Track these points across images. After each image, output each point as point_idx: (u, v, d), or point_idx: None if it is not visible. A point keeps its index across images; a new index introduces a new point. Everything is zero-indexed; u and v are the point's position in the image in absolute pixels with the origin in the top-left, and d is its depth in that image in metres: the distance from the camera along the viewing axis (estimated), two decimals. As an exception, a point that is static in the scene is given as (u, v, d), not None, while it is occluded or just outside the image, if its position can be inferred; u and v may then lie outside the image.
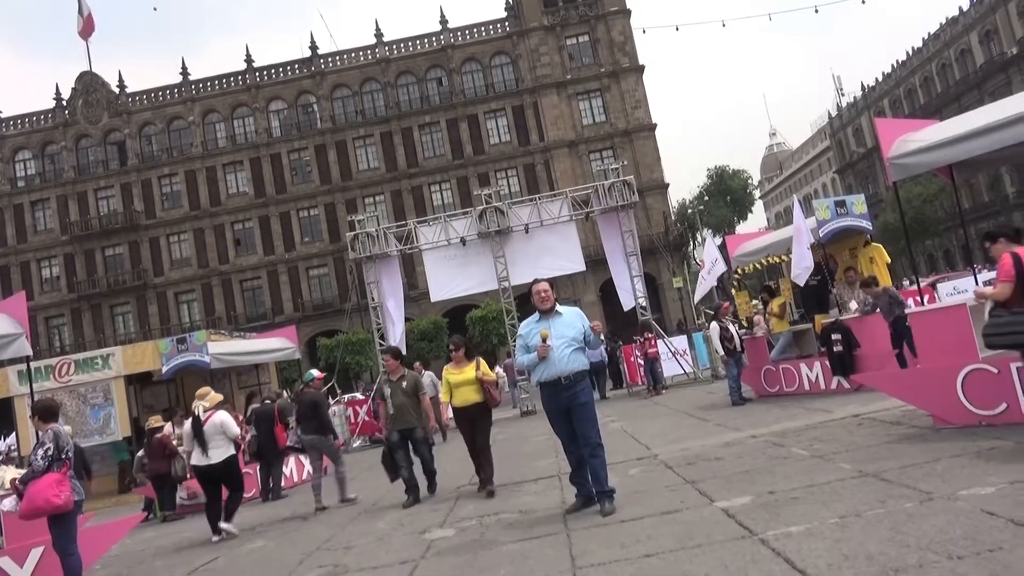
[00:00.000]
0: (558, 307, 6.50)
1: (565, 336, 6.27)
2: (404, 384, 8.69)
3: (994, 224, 7.11)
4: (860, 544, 4.10)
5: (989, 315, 5.94)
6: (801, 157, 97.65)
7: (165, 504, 12.07)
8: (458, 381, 8.24)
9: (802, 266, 11.72)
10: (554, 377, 6.25)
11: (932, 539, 3.96)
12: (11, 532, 7.14)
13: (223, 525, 8.54)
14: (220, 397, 9.42)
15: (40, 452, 6.24)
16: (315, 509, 9.44)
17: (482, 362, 8.34)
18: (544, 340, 6.20)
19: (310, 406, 9.85)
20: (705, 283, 16.41)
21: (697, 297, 17.32)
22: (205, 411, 8.87)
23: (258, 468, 12.43)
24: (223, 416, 8.87)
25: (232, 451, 8.82)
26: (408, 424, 8.64)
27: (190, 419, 9.04)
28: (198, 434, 8.74)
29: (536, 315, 6.55)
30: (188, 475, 12.12)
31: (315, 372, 10.59)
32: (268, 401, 12.70)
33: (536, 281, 6.58)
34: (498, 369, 24.80)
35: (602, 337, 21.73)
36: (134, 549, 9.36)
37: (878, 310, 10.74)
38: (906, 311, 9.99)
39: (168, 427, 12.65)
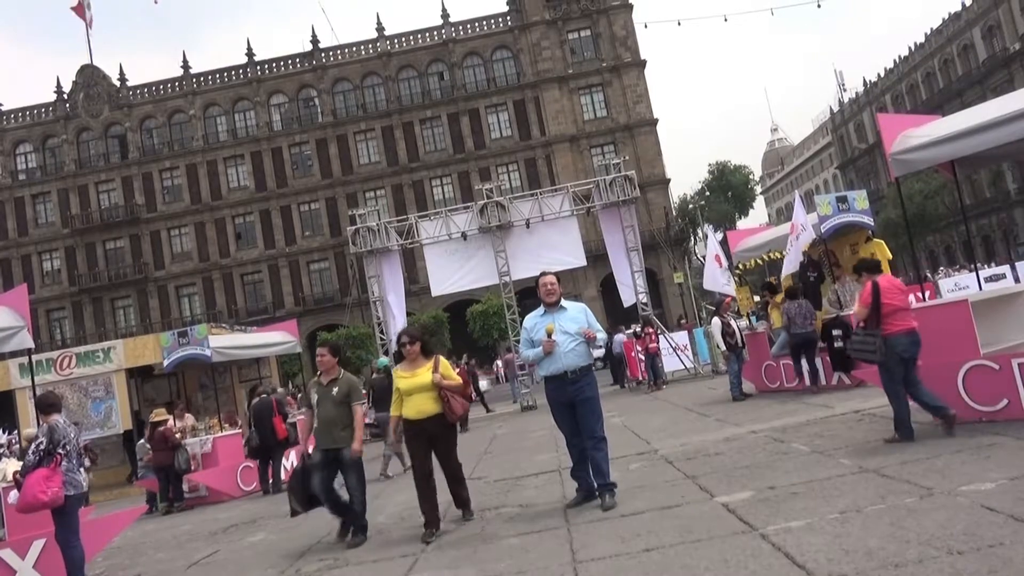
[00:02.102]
0: (563, 302, 6.51)
1: (569, 331, 6.28)
2: (335, 391, 6.63)
3: (860, 260, 7.92)
4: (860, 539, 4.11)
5: (854, 333, 6.88)
6: (802, 153, 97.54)
7: (170, 495, 12.11)
8: (410, 387, 6.33)
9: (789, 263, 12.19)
10: (560, 371, 6.27)
11: (932, 534, 3.97)
12: (13, 524, 7.15)
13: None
14: (447, 363, 11.14)
15: (32, 447, 6.27)
16: (384, 475, 10.86)
17: (443, 361, 6.50)
18: (549, 335, 6.21)
19: (387, 389, 10.89)
20: (716, 277, 16.50)
21: (708, 285, 17.28)
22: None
23: (258, 463, 12.43)
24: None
25: None
26: (336, 443, 6.55)
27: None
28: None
29: (541, 309, 6.55)
30: (191, 467, 12.18)
31: (385, 360, 12.18)
32: (265, 395, 12.74)
33: (543, 274, 6.60)
34: (497, 363, 24.83)
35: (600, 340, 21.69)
36: (136, 541, 9.38)
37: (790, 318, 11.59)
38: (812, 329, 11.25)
39: (171, 420, 12.69)
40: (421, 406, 6.30)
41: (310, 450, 6.70)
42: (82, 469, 6.66)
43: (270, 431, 12.00)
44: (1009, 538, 3.74)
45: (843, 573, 3.66)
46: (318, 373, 6.91)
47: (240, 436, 13.33)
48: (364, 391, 12.25)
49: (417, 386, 6.33)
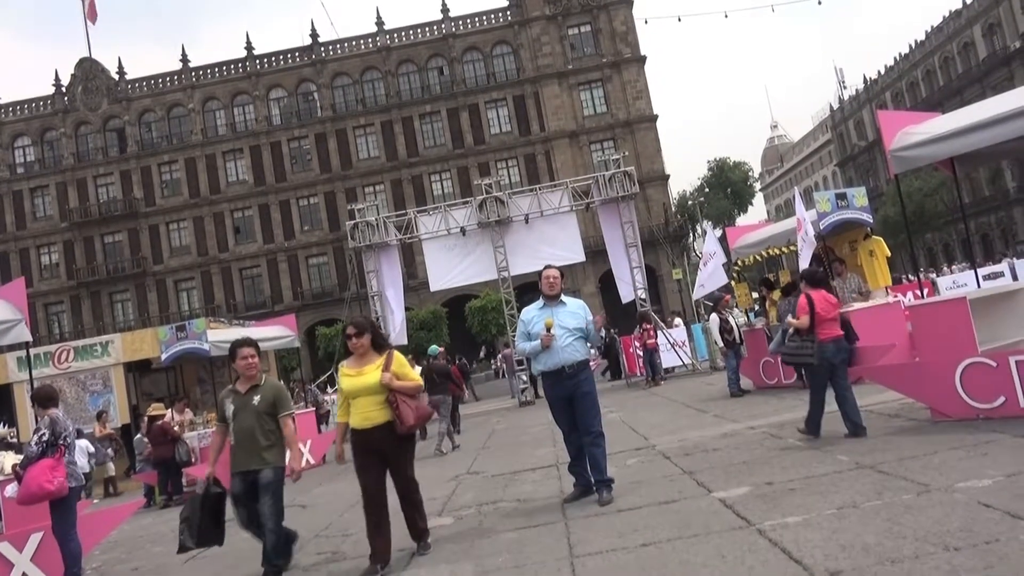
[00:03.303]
0: (562, 297, 6.51)
1: (568, 326, 6.27)
2: (257, 399, 5.55)
3: (805, 271, 8.52)
4: (857, 535, 4.12)
5: (787, 339, 7.67)
6: (802, 150, 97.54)
7: (169, 488, 12.12)
8: (355, 388, 5.33)
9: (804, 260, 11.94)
10: (557, 366, 6.26)
11: (929, 531, 3.98)
12: (11, 517, 7.16)
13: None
14: (403, 359, 12.64)
15: (35, 438, 6.29)
16: (438, 450, 11.91)
17: (398, 357, 5.47)
18: (548, 329, 6.20)
19: (440, 373, 12.82)
20: (709, 276, 16.55)
21: (697, 294, 17.57)
22: None
23: None
24: None
25: None
26: (257, 463, 5.49)
27: None
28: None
29: (539, 302, 6.54)
30: (191, 460, 12.19)
31: (437, 347, 13.70)
32: None
33: (547, 267, 6.59)
34: (499, 358, 24.81)
35: (603, 333, 21.68)
36: (133, 535, 9.38)
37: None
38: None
39: (169, 414, 12.70)
40: (368, 412, 5.27)
41: (224, 474, 5.67)
42: (89, 458, 6.69)
43: None
44: (1005, 534, 3.75)
45: (840, 569, 3.67)
46: (234, 379, 5.74)
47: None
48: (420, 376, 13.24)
49: (363, 387, 5.30)
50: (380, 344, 5.47)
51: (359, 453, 5.37)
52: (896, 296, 12.65)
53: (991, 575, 3.31)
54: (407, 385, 5.37)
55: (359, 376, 5.33)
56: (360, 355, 5.41)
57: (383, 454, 5.32)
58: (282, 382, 5.75)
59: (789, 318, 7.74)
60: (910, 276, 17.32)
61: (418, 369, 13.16)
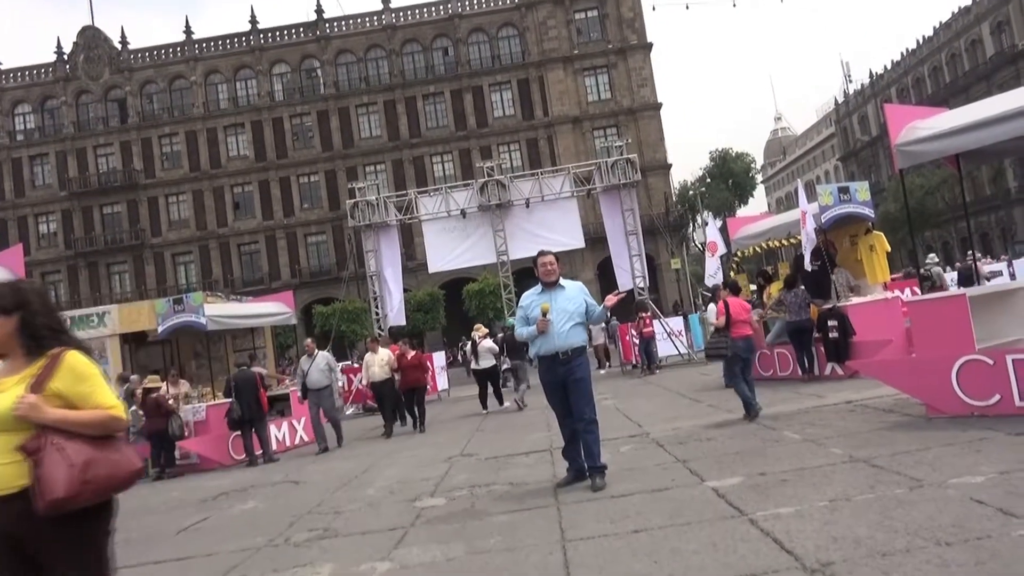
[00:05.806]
0: (561, 280, 6.48)
1: (566, 311, 6.25)
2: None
3: (727, 282, 9.60)
4: (849, 527, 4.13)
5: (709, 336, 9.33)
6: (805, 143, 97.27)
7: (163, 461, 12.11)
8: None
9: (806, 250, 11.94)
10: (552, 352, 6.25)
11: (921, 525, 3.99)
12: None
13: (501, 406, 14.23)
14: (486, 330, 15.04)
15: None
16: (518, 402, 14.01)
17: (71, 364, 2.70)
18: (544, 314, 6.18)
19: (521, 343, 14.17)
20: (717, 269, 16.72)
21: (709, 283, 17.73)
22: (480, 338, 14.55)
23: (241, 434, 12.21)
24: (489, 342, 14.69)
25: (494, 362, 14.53)
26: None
27: (469, 342, 15.52)
28: (475, 351, 14.61)
29: (539, 287, 6.51)
30: (184, 434, 12.17)
31: (512, 319, 14.94)
32: (244, 367, 12.69)
33: (542, 252, 6.51)
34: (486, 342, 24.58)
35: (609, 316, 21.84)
36: (126, 507, 9.32)
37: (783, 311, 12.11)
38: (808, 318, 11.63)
39: (164, 387, 12.68)
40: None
41: None
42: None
43: (254, 402, 11.94)
44: (997, 531, 3.75)
45: (831, 560, 3.67)
46: None
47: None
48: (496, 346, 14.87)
49: None
50: (39, 337, 2.74)
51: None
52: (895, 292, 12.66)
53: (982, 571, 3.32)
54: (80, 417, 2.66)
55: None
56: (12, 360, 2.75)
57: (18, 553, 2.63)
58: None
59: (716, 317, 9.00)
60: (920, 269, 17.35)
61: (487, 342, 14.64)
